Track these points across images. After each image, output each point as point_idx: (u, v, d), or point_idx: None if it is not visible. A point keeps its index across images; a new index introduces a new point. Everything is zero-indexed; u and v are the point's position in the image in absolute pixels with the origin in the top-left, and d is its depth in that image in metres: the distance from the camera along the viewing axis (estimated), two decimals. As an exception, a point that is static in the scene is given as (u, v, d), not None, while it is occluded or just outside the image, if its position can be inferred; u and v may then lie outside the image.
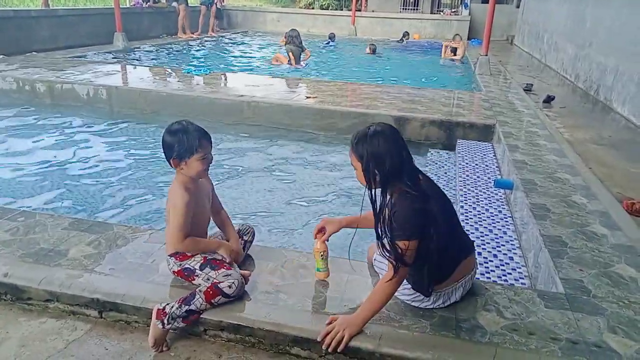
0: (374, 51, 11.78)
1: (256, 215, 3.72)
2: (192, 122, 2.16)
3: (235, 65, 9.90)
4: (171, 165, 2.12)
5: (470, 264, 2.12)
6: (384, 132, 1.89)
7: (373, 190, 1.91)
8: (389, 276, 1.89)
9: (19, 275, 2.25)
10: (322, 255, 2.23)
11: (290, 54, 9.45)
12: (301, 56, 9.68)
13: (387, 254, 1.88)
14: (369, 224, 2.24)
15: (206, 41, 13.28)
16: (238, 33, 15.83)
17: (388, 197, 1.90)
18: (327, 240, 2.27)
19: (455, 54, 11.12)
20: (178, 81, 6.98)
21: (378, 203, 1.92)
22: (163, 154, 2.14)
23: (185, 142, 2.07)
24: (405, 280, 2.06)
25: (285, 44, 9.59)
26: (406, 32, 15.09)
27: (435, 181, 2.08)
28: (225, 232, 2.41)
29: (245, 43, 13.77)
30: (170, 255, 2.19)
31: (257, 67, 9.66)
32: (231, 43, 13.62)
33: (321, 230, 2.29)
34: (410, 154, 1.94)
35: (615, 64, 6.43)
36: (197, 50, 11.80)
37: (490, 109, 5.90)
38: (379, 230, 1.92)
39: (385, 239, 1.89)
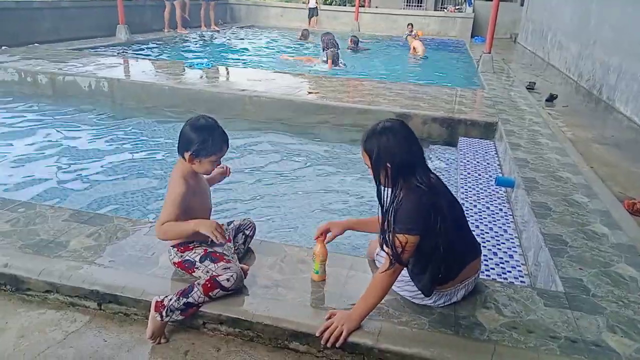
0: (356, 44, 11.83)
1: (256, 210, 3.72)
2: (217, 122, 2.13)
3: (263, 62, 9.86)
4: (183, 157, 2.10)
5: (476, 266, 2.11)
6: (393, 127, 1.88)
7: (382, 188, 1.89)
8: (385, 267, 1.89)
9: (19, 266, 2.25)
10: (321, 259, 2.20)
11: (330, 58, 9.43)
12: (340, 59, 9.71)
13: (387, 249, 1.87)
14: (373, 228, 2.23)
15: (211, 36, 13.26)
16: (242, 28, 15.80)
17: (398, 193, 1.87)
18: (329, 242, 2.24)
19: (415, 52, 11.81)
20: (180, 75, 6.96)
21: (387, 200, 1.89)
22: (177, 144, 2.11)
23: (209, 143, 2.04)
24: (408, 277, 2.05)
25: (325, 49, 9.57)
26: (410, 23, 15.08)
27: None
28: None
29: (255, 39, 13.74)
30: (173, 246, 2.19)
31: (287, 66, 9.56)
32: (237, 38, 13.61)
33: (324, 232, 2.25)
34: (422, 150, 1.92)
35: (619, 63, 6.41)
36: (205, 45, 11.77)
37: (492, 107, 5.88)
38: (385, 226, 1.91)
39: (389, 233, 1.88)
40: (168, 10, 12.54)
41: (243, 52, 11.29)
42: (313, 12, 16.86)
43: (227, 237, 2.13)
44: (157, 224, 2.11)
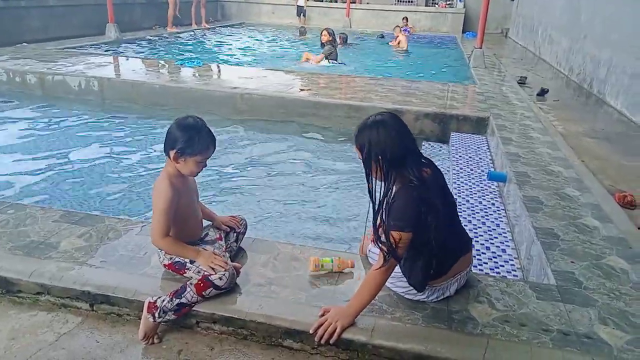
0: (345, 40, 11.93)
1: (249, 207, 3.71)
2: (205, 122, 2.11)
3: (265, 62, 9.77)
4: (168, 156, 2.07)
5: (467, 260, 2.12)
6: (384, 120, 1.86)
7: (373, 181, 1.88)
8: (379, 264, 1.89)
9: (9, 268, 2.23)
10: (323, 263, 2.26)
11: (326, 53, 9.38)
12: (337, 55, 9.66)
13: (380, 245, 1.87)
14: None
15: (202, 34, 13.18)
16: (232, 26, 15.71)
17: (392, 187, 1.86)
18: None
19: (399, 45, 12.03)
20: (171, 73, 6.92)
21: (379, 194, 1.88)
22: (164, 142, 2.08)
23: (195, 141, 2.02)
24: (401, 273, 2.05)
25: (325, 45, 9.50)
26: (405, 17, 15.10)
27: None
28: (205, 214, 2.41)
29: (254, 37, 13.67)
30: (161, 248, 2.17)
31: (288, 64, 9.47)
32: (228, 35, 13.54)
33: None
34: (415, 142, 1.91)
35: (610, 57, 6.44)
36: (196, 43, 11.69)
37: (484, 102, 5.90)
38: (376, 222, 1.90)
39: (383, 228, 1.87)
40: (172, 7, 12.49)
41: (234, 49, 11.23)
42: (301, 10, 16.83)
43: (225, 261, 2.12)
44: (154, 232, 2.07)
